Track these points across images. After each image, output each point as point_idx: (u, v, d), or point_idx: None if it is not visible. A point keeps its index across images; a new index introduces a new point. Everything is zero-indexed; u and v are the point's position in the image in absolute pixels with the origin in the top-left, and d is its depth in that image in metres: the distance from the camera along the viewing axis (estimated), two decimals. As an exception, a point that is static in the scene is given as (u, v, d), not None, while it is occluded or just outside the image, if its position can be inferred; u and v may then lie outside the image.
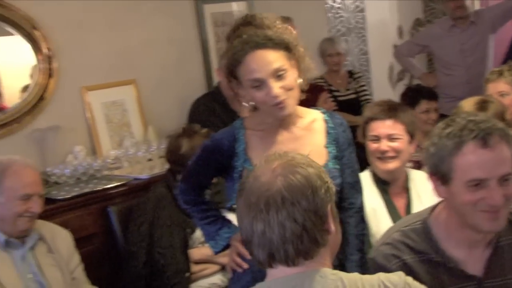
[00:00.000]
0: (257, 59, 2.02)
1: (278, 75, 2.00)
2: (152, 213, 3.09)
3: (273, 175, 1.43)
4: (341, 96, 4.91)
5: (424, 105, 3.76)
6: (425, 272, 1.79)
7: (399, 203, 2.65)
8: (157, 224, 3.07)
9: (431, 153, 1.76)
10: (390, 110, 2.64)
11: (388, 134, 2.60)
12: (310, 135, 2.16)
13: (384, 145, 2.59)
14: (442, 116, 4.02)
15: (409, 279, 1.48)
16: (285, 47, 2.06)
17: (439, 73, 5.06)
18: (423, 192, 2.64)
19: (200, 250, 3.15)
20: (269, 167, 1.46)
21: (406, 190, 2.69)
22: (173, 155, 3.20)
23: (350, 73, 5.06)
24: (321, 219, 1.42)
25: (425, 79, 5.01)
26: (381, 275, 1.48)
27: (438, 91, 4.35)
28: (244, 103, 2.13)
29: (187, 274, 3.05)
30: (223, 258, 3.01)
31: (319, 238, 1.42)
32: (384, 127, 2.61)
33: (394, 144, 2.60)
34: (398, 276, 1.49)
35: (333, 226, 1.46)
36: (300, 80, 2.09)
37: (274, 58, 2.02)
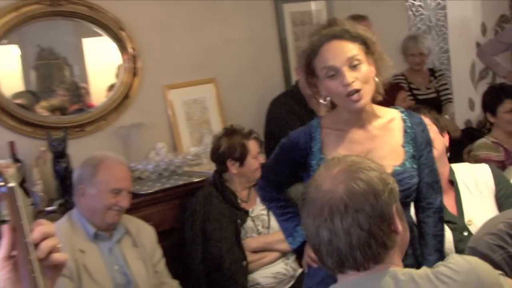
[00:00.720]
0: (332, 48, 2.03)
1: (352, 65, 2.00)
2: (202, 211, 3.19)
3: (334, 183, 1.43)
4: (421, 95, 4.85)
5: (508, 104, 3.67)
6: None
7: (448, 200, 2.58)
8: (208, 220, 3.16)
9: None
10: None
11: None
12: (387, 134, 2.14)
13: None
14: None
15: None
16: (362, 41, 2.06)
17: (526, 71, 4.91)
18: (470, 183, 2.63)
19: (256, 239, 3.23)
20: (330, 174, 1.46)
21: (452, 184, 2.65)
22: (214, 154, 3.32)
23: (432, 71, 4.98)
24: (387, 222, 1.42)
25: (510, 77, 4.88)
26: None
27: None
28: (321, 100, 2.14)
29: (244, 263, 3.13)
30: (281, 245, 3.13)
31: (387, 241, 1.42)
32: None
33: None
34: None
35: (400, 226, 1.46)
36: (377, 79, 2.08)
37: (349, 48, 2.02)
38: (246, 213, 3.25)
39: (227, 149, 3.24)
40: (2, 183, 1.16)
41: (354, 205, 1.39)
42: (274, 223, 3.22)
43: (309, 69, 2.11)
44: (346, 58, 2.00)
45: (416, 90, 4.85)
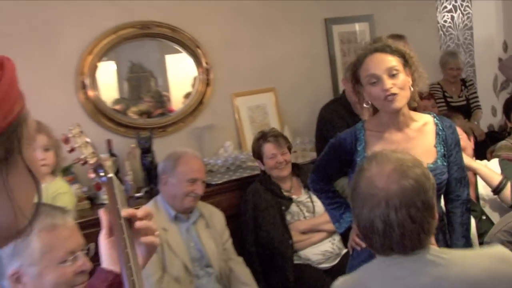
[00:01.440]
0: (374, 59, 2.05)
1: (391, 74, 2.01)
2: (251, 203, 3.23)
3: (388, 181, 1.39)
4: (454, 102, 4.80)
5: None
6: None
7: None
8: (258, 209, 3.21)
9: None
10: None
11: None
12: (422, 136, 2.12)
13: None
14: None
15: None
16: (401, 55, 2.06)
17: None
18: None
19: (304, 221, 3.25)
20: (382, 171, 1.42)
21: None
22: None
23: (463, 81, 4.90)
24: (431, 212, 1.41)
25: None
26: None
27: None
28: (364, 105, 2.13)
29: (290, 241, 3.16)
30: (326, 225, 3.16)
31: (431, 228, 1.41)
32: None
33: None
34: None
35: (436, 213, 1.45)
36: (412, 89, 2.07)
37: (389, 60, 2.03)
38: (290, 199, 3.27)
39: (252, 151, 3.39)
40: (103, 174, 1.23)
41: (407, 201, 1.37)
42: (318, 208, 3.27)
43: (355, 78, 2.13)
44: (386, 68, 2.02)
45: (450, 98, 4.79)
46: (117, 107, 3.61)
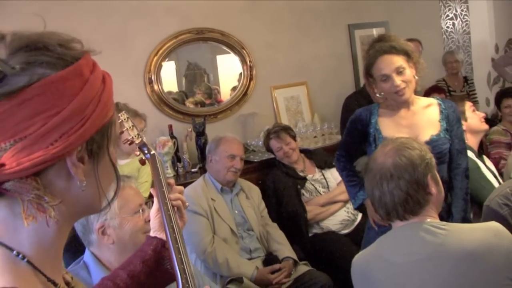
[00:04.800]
0: (384, 61, 1.95)
1: (399, 71, 1.93)
2: (272, 184, 3.03)
3: (385, 158, 1.37)
4: (456, 95, 4.48)
5: (505, 101, 3.46)
6: None
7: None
8: (278, 190, 3.00)
9: None
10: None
11: None
12: (427, 112, 2.02)
13: None
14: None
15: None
16: (405, 53, 1.96)
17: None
18: None
19: (322, 196, 3.04)
20: (383, 150, 1.39)
21: None
22: None
23: (466, 79, 4.60)
24: (422, 186, 1.33)
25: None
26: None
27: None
28: (377, 94, 2.03)
29: (305, 215, 2.95)
30: (341, 196, 2.99)
31: (421, 200, 1.33)
32: None
33: None
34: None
35: (434, 189, 1.36)
36: (416, 77, 1.98)
37: (396, 60, 1.93)
38: (304, 179, 3.06)
39: (264, 143, 3.23)
40: (147, 151, 1.16)
41: (397, 173, 1.33)
42: (331, 183, 3.10)
43: (368, 74, 2.04)
44: (394, 68, 1.93)
45: (453, 91, 4.48)
46: (177, 98, 3.50)
